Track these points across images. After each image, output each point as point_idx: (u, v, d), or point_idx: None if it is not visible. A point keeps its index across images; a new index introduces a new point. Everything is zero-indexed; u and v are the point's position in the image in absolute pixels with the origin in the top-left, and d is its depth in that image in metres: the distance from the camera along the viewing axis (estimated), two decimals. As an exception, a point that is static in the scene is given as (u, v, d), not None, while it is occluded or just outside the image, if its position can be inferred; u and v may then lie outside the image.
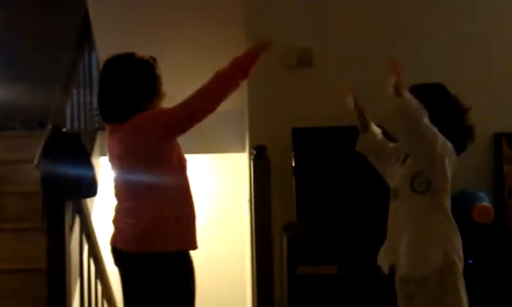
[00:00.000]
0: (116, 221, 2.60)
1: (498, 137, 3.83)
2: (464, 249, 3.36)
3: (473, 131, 2.70)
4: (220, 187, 5.63)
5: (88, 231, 3.46)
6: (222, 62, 2.60)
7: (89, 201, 3.73)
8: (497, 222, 3.49)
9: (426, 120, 2.49)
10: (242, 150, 4.70)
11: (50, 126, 3.30)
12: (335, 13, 3.95)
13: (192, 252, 2.56)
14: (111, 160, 2.61)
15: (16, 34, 5.31)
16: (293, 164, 3.68)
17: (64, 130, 3.37)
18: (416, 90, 2.61)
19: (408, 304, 2.63)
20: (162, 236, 2.49)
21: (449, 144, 2.58)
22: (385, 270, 2.70)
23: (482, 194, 3.56)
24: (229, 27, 4.22)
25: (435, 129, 2.53)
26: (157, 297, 2.49)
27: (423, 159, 2.59)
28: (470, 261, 3.38)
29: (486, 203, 3.49)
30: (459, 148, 2.64)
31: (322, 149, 3.70)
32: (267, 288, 3.16)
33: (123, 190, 2.57)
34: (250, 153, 3.50)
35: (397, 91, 2.45)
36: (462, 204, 3.49)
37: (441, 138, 2.55)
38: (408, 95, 2.49)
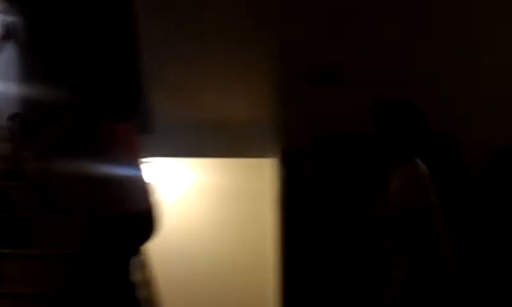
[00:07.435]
0: None
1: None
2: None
3: (432, 138, 2.75)
4: (248, 189, 5.92)
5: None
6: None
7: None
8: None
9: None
10: (270, 156, 4.81)
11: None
12: (355, 31, 4.14)
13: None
14: None
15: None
16: (312, 170, 3.81)
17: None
18: (381, 105, 2.76)
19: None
20: None
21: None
22: None
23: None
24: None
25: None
26: None
27: None
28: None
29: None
30: (420, 151, 2.71)
31: (343, 157, 3.82)
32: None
33: None
34: (277, 159, 3.71)
35: None
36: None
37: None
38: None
